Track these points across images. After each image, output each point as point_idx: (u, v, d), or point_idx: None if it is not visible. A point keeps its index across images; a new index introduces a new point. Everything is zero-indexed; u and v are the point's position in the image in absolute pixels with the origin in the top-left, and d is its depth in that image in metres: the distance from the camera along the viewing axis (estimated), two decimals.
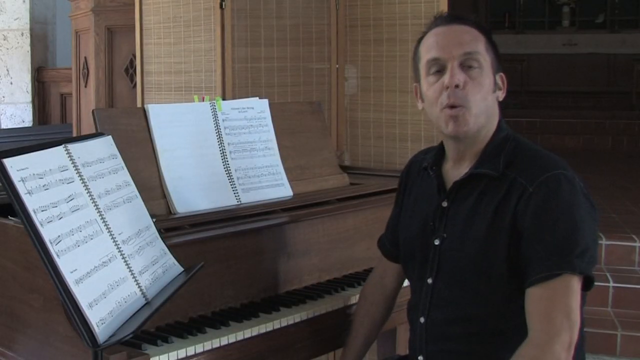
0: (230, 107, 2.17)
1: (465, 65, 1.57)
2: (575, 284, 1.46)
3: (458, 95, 1.55)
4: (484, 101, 1.58)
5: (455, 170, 1.65)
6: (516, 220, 1.51)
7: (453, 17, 1.64)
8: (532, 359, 1.43)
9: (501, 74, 1.64)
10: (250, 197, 2.10)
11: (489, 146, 1.61)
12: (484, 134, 1.61)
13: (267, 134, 2.22)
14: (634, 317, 3.55)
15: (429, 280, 1.64)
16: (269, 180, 2.17)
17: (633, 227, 4.15)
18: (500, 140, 1.61)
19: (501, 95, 1.64)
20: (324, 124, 2.48)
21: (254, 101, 2.23)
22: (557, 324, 1.43)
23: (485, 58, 1.59)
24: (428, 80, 1.61)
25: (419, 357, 1.66)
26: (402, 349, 2.40)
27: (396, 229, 1.81)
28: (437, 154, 1.70)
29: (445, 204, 1.64)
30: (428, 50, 1.62)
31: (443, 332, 1.61)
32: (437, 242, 1.63)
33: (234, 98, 2.76)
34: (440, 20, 1.65)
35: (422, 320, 1.65)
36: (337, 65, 3.13)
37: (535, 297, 1.47)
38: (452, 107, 1.56)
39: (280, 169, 2.21)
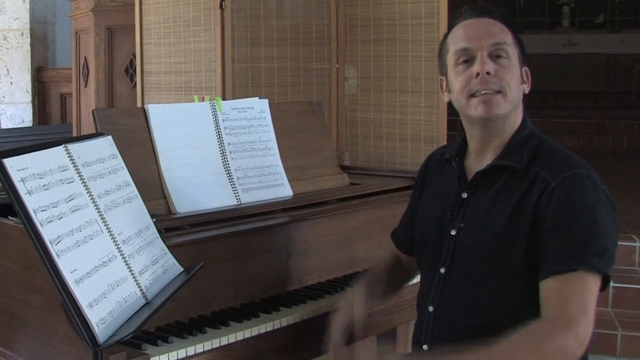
0: (230, 107, 2.17)
1: (494, 56, 1.58)
2: (591, 281, 1.44)
3: (491, 81, 1.56)
4: (516, 88, 1.59)
5: (477, 164, 1.65)
6: (537, 214, 1.50)
7: (481, 10, 1.65)
8: (546, 334, 1.39)
9: (526, 68, 1.65)
10: (250, 197, 2.10)
11: (513, 140, 1.61)
12: (510, 124, 1.61)
13: (267, 134, 2.21)
14: (634, 317, 3.55)
15: (442, 270, 1.63)
16: (269, 180, 2.17)
17: (633, 227, 4.15)
18: (524, 136, 1.62)
19: (527, 88, 1.64)
20: (324, 124, 2.47)
21: (254, 101, 2.23)
22: (573, 314, 1.40)
23: (513, 50, 1.60)
24: (456, 70, 1.61)
25: (423, 347, 1.64)
26: (402, 348, 2.40)
27: (410, 223, 1.81)
28: (460, 146, 1.70)
29: (465, 195, 1.63)
30: (457, 41, 1.62)
31: (451, 322, 1.60)
32: (453, 232, 1.63)
33: (234, 98, 2.76)
34: (468, 13, 1.65)
35: (430, 308, 1.64)
36: (337, 65, 3.13)
37: (550, 288, 1.44)
38: (484, 92, 1.56)
39: (280, 169, 2.21)
